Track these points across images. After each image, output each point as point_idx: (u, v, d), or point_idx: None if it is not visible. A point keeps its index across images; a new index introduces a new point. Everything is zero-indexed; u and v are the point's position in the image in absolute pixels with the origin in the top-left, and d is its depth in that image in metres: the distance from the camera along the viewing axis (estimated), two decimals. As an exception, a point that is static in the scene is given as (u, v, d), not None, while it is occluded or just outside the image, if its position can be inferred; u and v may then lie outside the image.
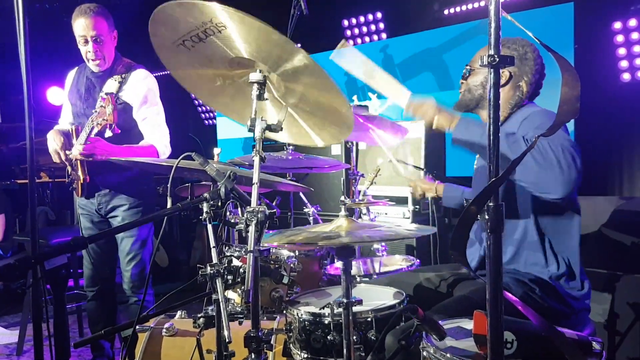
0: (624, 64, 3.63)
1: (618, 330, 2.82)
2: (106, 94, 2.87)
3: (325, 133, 1.88)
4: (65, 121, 3.31)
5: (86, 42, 3.01)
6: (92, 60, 3.06)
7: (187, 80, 1.81)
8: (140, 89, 3.11)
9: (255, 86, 1.62)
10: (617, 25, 3.62)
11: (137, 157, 3.05)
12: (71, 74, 3.31)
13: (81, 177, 3.03)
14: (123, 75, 3.10)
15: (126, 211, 3.15)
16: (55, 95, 6.56)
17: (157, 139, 3.14)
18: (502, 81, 2.16)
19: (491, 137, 1.04)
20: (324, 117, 1.80)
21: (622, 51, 3.63)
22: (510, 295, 1.23)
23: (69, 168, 3.14)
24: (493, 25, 1.02)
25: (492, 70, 1.02)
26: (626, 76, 3.64)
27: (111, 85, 3.08)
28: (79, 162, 3.01)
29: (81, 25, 2.98)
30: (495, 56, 1.01)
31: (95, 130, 2.86)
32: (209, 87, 1.83)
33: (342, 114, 1.72)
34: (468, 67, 2.26)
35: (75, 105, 3.21)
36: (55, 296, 1.10)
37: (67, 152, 3.03)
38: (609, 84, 3.70)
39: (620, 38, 3.62)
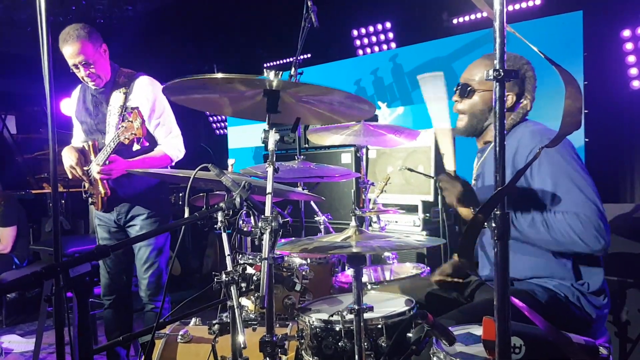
0: (633, 71, 3.64)
1: (629, 337, 2.82)
2: (132, 108, 2.86)
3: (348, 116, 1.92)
4: (78, 140, 3.35)
5: (77, 67, 3.02)
6: (89, 82, 3.08)
7: (191, 103, 1.86)
8: (148, 96, 3.12)
9: (267, 99, 1.67)
10: (626, 33, 3.64)
11: (152, 167, 3.13)
12: (76, 92, 3.34)
13: (102, 192, 3.09)
14: (127, 86, 3.12)
15: (144, 220, 3.21)
16: (69, 106, 6.66)
17: (170, 145, 3.20)
18: (508, 104, 2.15)
19: (497, 148, 1.08)
20: (342, 107, 1.84)
21: (631, 59, 3.65)
22: (517, 301, 1.25)
23: (85, 183, 3.20)
24: (498, 41, 1.06)
25: (497, 84, 1.06)
26: (636, 83, 3.65)
27: (117, 97, 3.10)
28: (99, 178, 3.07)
29: (68, 54, 2.96)
30: (500, 70, 1.04)
31: (125, 142, 2.86)
32: (216, 103, 1.87)
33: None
34: (469, 87, 2.20)
35: (85, 123, 3.24)
36: (80, 303, 1.14)
37: (85, 168, 3.11)
38: (618, 92, 3.71)
39: (629, 46, 3.64)
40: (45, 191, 6.39)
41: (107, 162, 2.96)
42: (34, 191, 6.32)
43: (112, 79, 3.14)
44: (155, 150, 3.19)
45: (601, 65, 3.74)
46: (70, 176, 3.17)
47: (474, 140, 2.37)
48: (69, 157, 3.12)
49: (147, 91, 3.13)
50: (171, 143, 3.20)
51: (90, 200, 3.21)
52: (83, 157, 3.14)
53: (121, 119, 3.04)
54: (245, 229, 2.12)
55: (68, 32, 2.97)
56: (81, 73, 3.04)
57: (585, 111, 3.63)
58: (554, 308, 1.99)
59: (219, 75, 1.49)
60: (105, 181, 3.08)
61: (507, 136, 2.15)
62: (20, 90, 7.49)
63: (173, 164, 3.26)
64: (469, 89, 2.20)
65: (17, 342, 4.35)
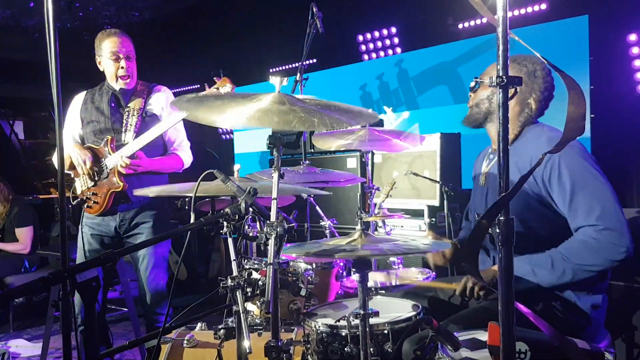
0: (640, 75, 3.64)
1: (636, 343, 2.80)
2: (218, 76, 3.05)
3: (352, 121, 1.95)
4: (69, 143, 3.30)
5: (117, 59, 3.12)
6: (122, 77, 3.16)
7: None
8: (165, 102, 3.27)
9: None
10: (633, 37, 3.62)
11: (168, 167, 3.26)
12: (80, 97, 3.36)
13: (119, 184, 3.06)
14: (146, 93, 3.26)
15: (150, 228, 3.21)
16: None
17: (182, 149, 3.33)
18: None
19: (501, 153, 1.08)
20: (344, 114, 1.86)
21: (638, 63, 3.63)
22: (522, 306, 1.25)
23: (81, 185, 3.21)
24: (501, 47, 1.07)
25: (500, 90, 1.06)
26: (642, 88, 3.64)
27: (136, 102, 3.21)
28: (116, 169, 3.05)
29: (114, 42, 3.11)
30: (504, 77, 1.05)
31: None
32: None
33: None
34: (477, 80, 2.27)
35: (95, 122, 3.24)
36: (86, 308, 1.15)
37: (96, 168, 3.13)
38: (625, 96, 3.69)
39: (635, 50, 3.62)
40: (53, 196, 6.43)
41: (136, 157, 3.03)
42: (41, 196, 6.37)
43: (134, 86, 3.27)
44: (171, 154, 3.30)
45: (607, 69, 3.73)
46: (79, 171, 3.16)
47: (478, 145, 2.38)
48: (80, 153, 3.11)
49: (164, 98, 3.29)
50: (183, 148, 3.34)
51: (86, 204, 3.17)
52: (93, 154, 3.15)
53: (141, 120, 3.17)
54: (250, 234, 2.13)
55: (113, 29, 3.20)
56: (121, 64, 3.14)
57: (591, 116, 3.62)
58: (550, 315, 1.98)
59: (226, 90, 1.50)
60: (122, 176, 3.07)
61: (518, 138, 2.18)
62: (28, 96, 7.56)
63: (182, 169, 3.35)
64: (477, 83, 2.28)
65: (24, 347, 4.37)
